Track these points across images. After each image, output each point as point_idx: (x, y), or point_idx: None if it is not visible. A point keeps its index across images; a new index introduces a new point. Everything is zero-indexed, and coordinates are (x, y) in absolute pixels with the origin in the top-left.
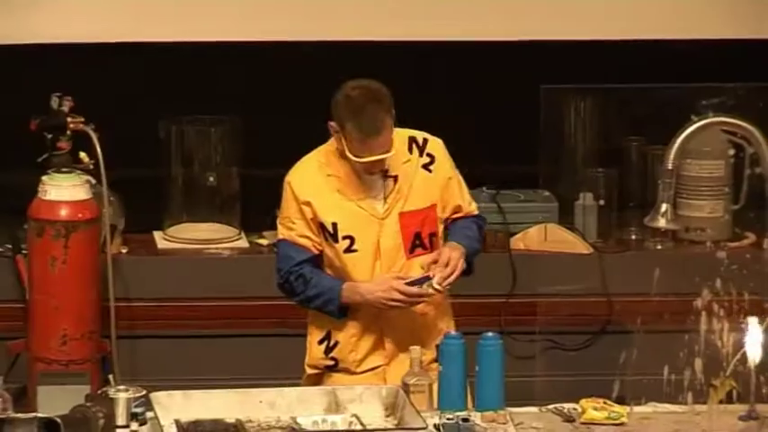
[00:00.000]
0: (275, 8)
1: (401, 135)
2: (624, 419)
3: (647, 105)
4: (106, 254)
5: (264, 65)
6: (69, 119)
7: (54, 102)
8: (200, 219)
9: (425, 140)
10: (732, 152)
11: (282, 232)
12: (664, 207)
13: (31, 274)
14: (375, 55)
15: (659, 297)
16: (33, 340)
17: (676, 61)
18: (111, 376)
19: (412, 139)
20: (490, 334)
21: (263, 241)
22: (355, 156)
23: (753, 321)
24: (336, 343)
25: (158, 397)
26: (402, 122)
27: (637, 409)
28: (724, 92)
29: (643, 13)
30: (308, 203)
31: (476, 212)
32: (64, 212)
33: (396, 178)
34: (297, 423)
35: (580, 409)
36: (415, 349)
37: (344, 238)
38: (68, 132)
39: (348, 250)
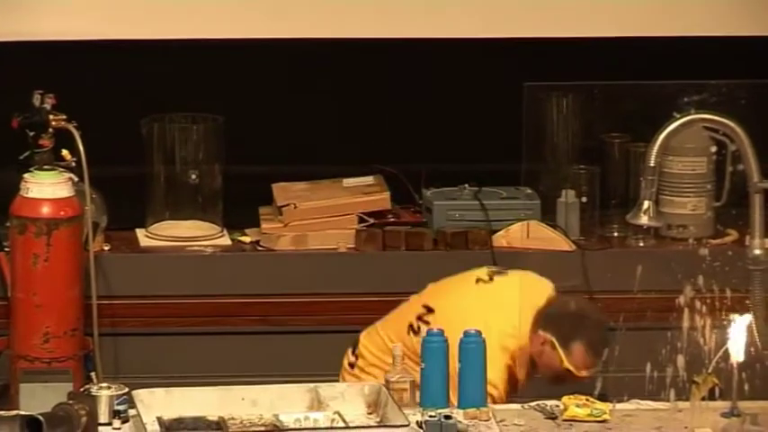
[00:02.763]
0: (257, 6)
1: None
2: (607, 416)
3: (630, 102)
4: (89, 251)
5: (246, 62)
6: (51, 116)
7: (36, 99)
8: (183, 216)
9: None
10: (714, 149)
11: None
12: (646, 204)
13: (14, 271)
14: (358, 53)
15: (642, 294)
16: (15, 338)
17: (658, 58)
18: (93, 374)
19: None
20: (472, 331)
21: (246, 239)
22: (576, 369)
23: (735, 318)
24: None
25: (140, 394)
26: (386, 121)
27: (619, 406)
28: (706, 89)
29: (625, 11)
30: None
31: None
32: (46, 210)
33: None
34: (279, 420)
35: (562, 407)
36: (397, 347)
37: None
38: (50, 130)
39: None
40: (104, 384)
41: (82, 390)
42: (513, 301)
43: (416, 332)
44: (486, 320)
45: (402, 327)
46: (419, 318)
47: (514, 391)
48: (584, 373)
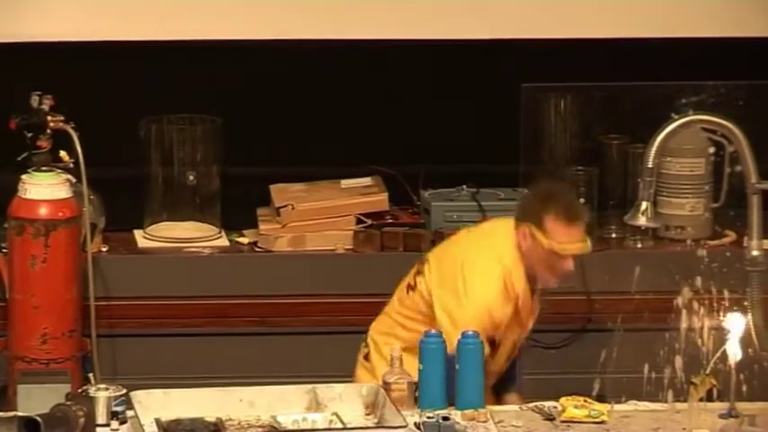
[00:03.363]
0: (255, 7)
1: None
2: (604, 417)
3: (628, 104)
4: (86, 253)
5: (244, 64)
6: (49, 117)
7: (34, 100)
8: (181, 217)
9: None
10: (712, 150)
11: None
12: (644, 205)
13: (11, 273)
14: (356, 54)
15: (639, 295)
16: (13, 339)
17: (656, 59)
18: (91, 375)
19: None
20: (470, 332)
21: (244, 240)
22: (560, 243)
23: (733, 319)
24: None
25: (138, 395)
26: (386, 120)
27: (617, 407)
28: (704, 90)
29: (623, 12)
30: (497, 325)
31: None
32: (44, 211)
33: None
34: (277, 422)
35: (560, 408)
36: (395, 348)
37: (491, 343)
38: (48, 131)
39: (491, 354)
40: (102, 385)
41: (80, 391)
42: (502, 231)
43: (414, 287)
44: (477, 247)
45: (403, 292)
46: (416, 274)
47: (522, 327)
48: (569, 248)
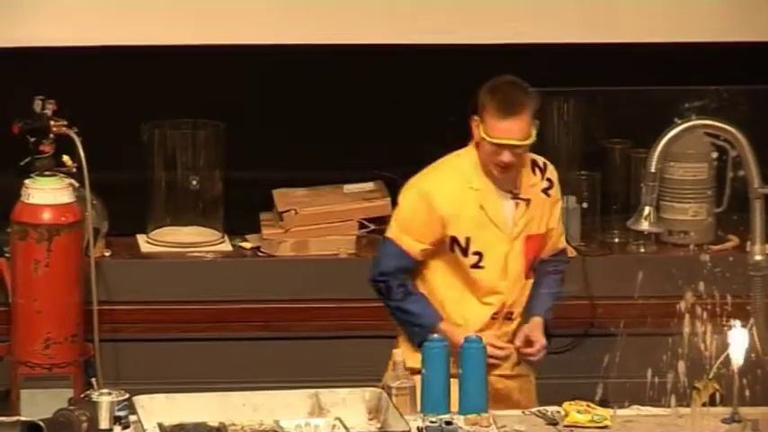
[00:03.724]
0: (258, 12)
1: (526, 156)
2: (607, 422)
3: (631, 108)
4: (89, 257)
5: (247, 69)
6: (52, 122)
7: (37, 105)
8: (184, 222)
9: (545, 164)
10: (715, 155)
11: (397, 234)
12: (647, 210)
13: (14, 277)
14: (361, 59)
15: (642, 300)
16: (16, 344)
17: (659, 64)
18: (94, 380)
19: (534, 163)
20: (473, 337)
21: (247, 244)
22: (491, 137)
23: (736, 324)
24: None
25: (141, 400)
26: (388, 124)
27: (620, 412)
28: (707, 95)
29: (626, 17)
30: (445, 217)
31: (562, 246)
32: (47, 216)
33: (528, 202)
34: (280, 426)
35: (563, 412)
36: (398, 352)
37: (474, 253)
38: (51, 136)
39: (475, 266)
40: (105, 390)
41: (83, 396)
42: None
43: None
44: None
45: None
46: None
47: None
48: (500, 140)
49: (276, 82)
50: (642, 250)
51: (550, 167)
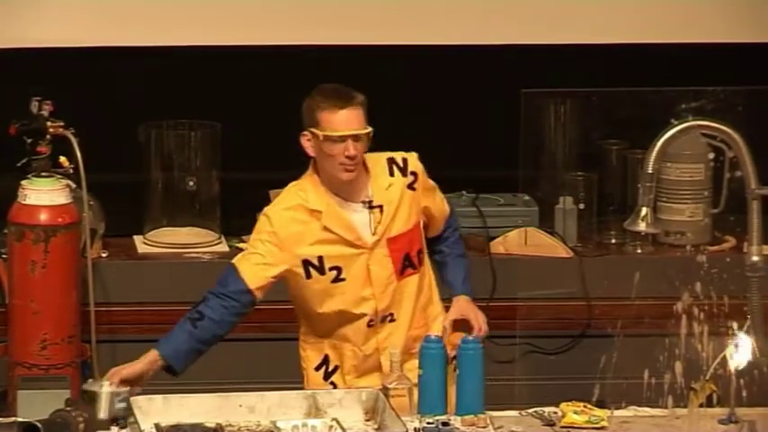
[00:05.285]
0: (254, 13)
1: (379, 160)
2: (604, 423)
3: (627, 109)
4: (86, 258)
5: (243, 69)
6: (49, 123)
7: (34, 106)
8: (181, 223)
9: (405, 160)
10: (712, 156)
11: (239, 260)
12: (644, 211)
13: (11, 278)
14: (356, 59)
15: (639, 301)
16: (13, 345)
17: (656, 65)
18: (91, 380)
19: (391, 161)
20: (470, 338)
21: (243, 245)
22: (332, 130)
23: (733, 325)
24: (336, 368)
25: (138, 401)
26: (382, 127)
27: (617, 412)
28: (704, 95)
29: (623, 18)
30: (287, 241)
31: (448, 211)
32: (44, 217)
33: (381, 208)
34: (277, 427)
35: (560, 413)
36: (395, 353)
37: (331, 269)
38: (48, 137)
39: (336, 280)
40: (106, 381)
41: (83, 387)
42: None
43: None
44: None
45: None
46: None
47: None
48: (342, 130)
49: (273, 83)
50: (639, 251)
51: (412, 160)
